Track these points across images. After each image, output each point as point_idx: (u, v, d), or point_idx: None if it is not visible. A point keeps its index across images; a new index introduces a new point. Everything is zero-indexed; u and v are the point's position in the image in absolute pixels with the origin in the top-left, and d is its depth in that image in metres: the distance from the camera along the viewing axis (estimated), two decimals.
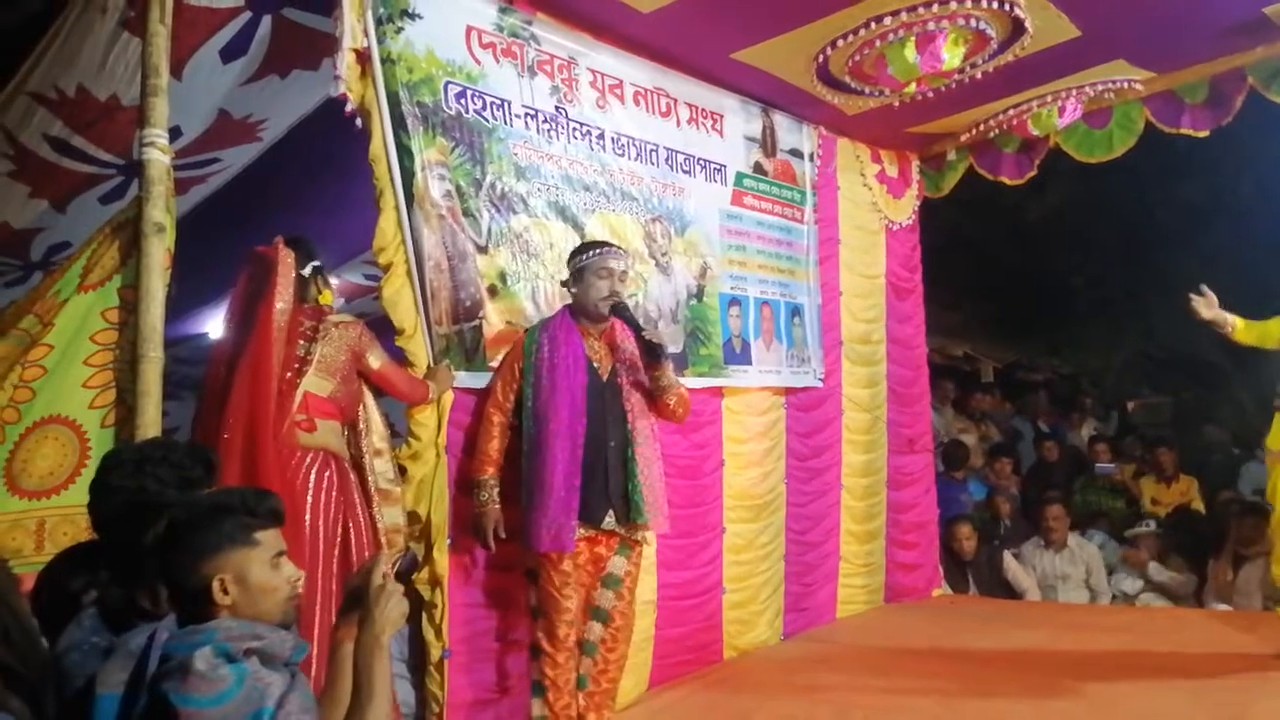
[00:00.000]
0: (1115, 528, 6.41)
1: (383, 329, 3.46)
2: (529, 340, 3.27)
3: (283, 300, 2.92)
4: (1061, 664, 4.23)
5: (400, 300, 3.31)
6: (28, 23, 2.96)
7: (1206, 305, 3.92)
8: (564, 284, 3.35)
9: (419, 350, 3.33)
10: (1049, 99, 5.12)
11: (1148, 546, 5.94)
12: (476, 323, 3.47)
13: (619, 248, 3.39)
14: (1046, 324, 10.16)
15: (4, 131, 3.27)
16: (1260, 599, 5.24)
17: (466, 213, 3.49)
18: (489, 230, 3.57)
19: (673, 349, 4.24)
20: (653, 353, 3.21)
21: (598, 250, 3.28)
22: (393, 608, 1.83)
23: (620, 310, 3.25)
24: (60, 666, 1.81)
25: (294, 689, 1.62)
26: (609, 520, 3.18)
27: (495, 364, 3.44)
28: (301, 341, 3.01)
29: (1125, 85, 5.02)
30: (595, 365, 3.24)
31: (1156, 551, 5.92)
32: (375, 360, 3.19)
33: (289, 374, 2.95)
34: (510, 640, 3.49)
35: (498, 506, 3.20)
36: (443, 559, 3.31)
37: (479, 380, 3.44)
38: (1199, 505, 6.73)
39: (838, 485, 5.34)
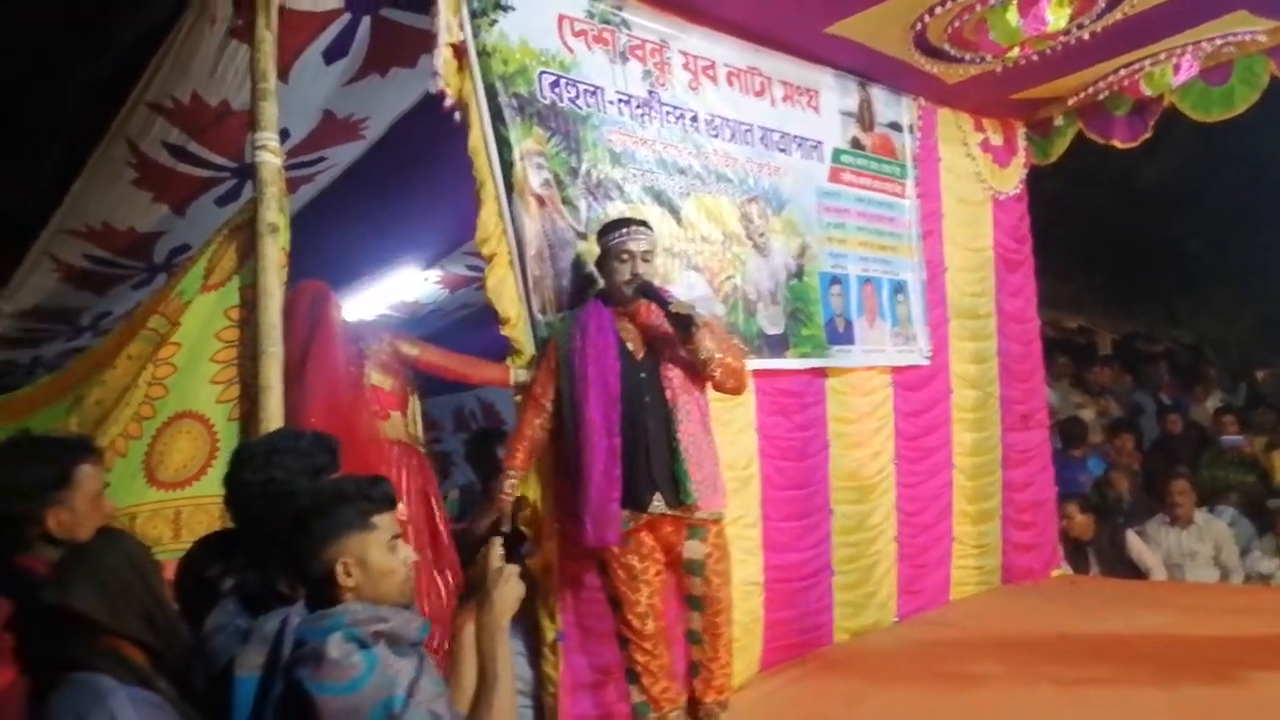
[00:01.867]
0: (1246, 503, 6.10)
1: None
2: (560, 329, 3.21)
3: (338, 308, 3.17)
4: (1193, 648, 4.04)
5: (504, 290, 3.35)
6: (144, 36, 3.09)
7: None
8: (595, 266, 3.28)
9: (523, 338, 3.37)
10: (1162, 57, 4.88)
11: None
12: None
13: (640, 224, 3.25)
14: (1165, 292, 9.70)
15: (127, 142, 3.43)
16: None
17: (566, 200, 3.52)
18: (587, 218, 3.59)
19: (774, 330, 4.21)
20: (682, 326, 3.05)
21: (617, 234, 3.19)
22: (510, 590, 1.88)
23: (646, 291, 3.14)
24: (207, 648, 1.91)
25: (423, 674, 1.66)
26: (657, 503, 3.08)
27: None
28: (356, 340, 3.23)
29: (1247, 38, 4.74)
30: (629, 348, 3.14)
31: None
32: (411, 347, 3.33)
33: (353, 369, 3.10)
34: None
35: (510, 499, 3.17)
36: (552, 543, 3.35)
37: None
38: None
39: (949, 465, 5.21)
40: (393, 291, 5.88)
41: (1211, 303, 9.86)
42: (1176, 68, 4.94)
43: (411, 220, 4.69)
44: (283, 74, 3.13)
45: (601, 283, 3.36)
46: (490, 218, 3.35)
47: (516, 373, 3.35)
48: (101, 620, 1.74)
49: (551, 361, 3.19)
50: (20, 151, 3.70)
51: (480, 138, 3.33)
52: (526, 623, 3.43)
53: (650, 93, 3.91)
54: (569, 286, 3.48)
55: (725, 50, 4.22)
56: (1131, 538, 5.71)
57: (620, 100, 3.79)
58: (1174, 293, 9.74)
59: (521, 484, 3.34)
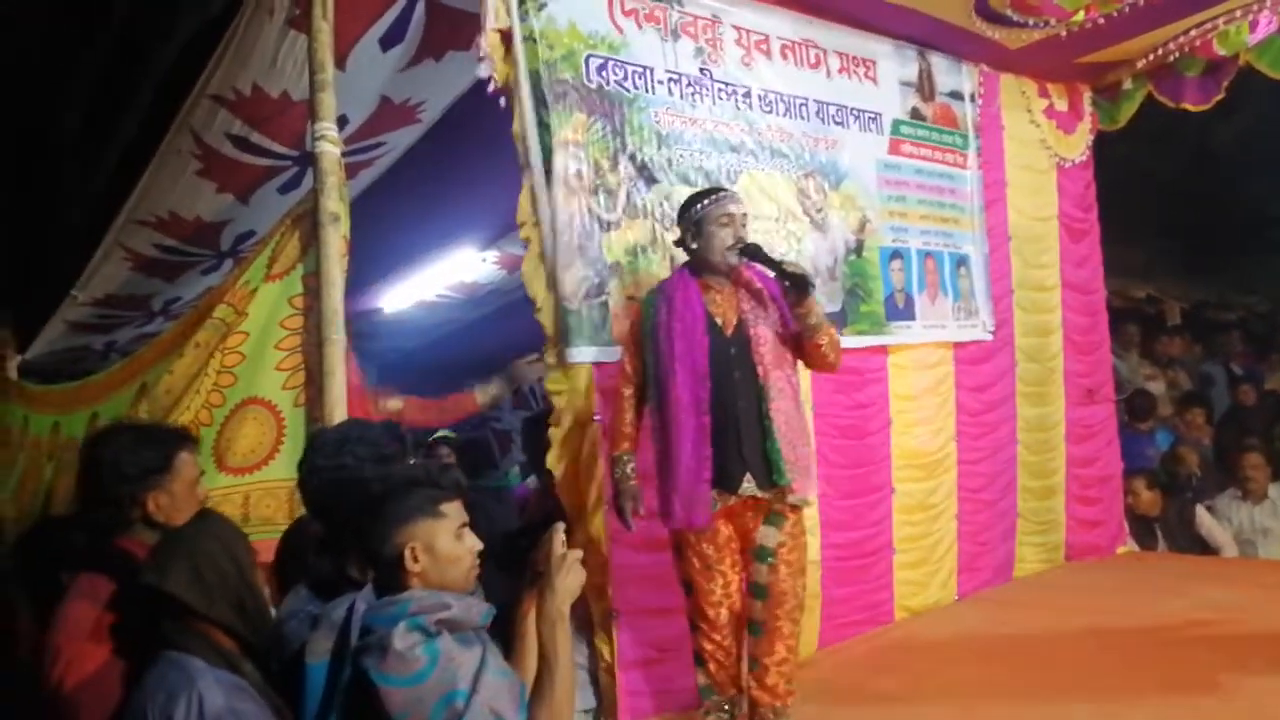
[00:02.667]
0: None
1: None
2: (646, 305, 3.08)
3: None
4: (1267, 629, 3.94)
5: (536, 275, 3.38)
6: (204, 30, 3.15)
7: None
8: (677, 243, 3.12)
9: (548, 324, 3.39)
10: (1238, 14, 4.71)
11: None
12: (603, 298, 3.49)
13: (731, 191, 3.12)
14: (1240, 258, 9.36)
15: (192, 133, 3.51)
16: None
17: (597, 190, 3.51)
18: (628, 202, 3.57)
19: (831, 308, 4.17)
20: (799, 286, 2.90)
21: (712, 198, 3.02)
22: (573, 578, 1.90)
23: (752, 253, 2.98)
24: (280, 632, 1.97)
25: (486, 665, 1.70)
26: (747, 485, 2.93)
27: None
28: None
29: None
30: (718, 322, 2.98)
31: None
32: (396, 402, 3.48)
33: None
34: (675, 604, 3.47)
35: (635, 483, 3.02)
36: (597, 521, 3.37)
37: (609, 354, 3.41)
38: None
39: (1013, 440, 5.14)
40: (451, 272, 5.95)
41: None
42: (1253, 24, 4.76)
43: (469, 201, 4.73)
44: (340, 62, 3.18)
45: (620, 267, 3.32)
46: (527, 203, 3.38)
47: (484, 391, 3.39)
48: (195, 606, 1.81)
49: (637, 336, 3.08)
50: (90, 143, 3.81)
51: (522, 124, 3.36)
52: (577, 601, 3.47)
53: (702, 70, 3.88)
54: (595, 276, 3.47)
55: (779, 23, 4.17)
56: (1201, 513, 5.57)
57: (670, 79, 3.77)
58: (1250, 259, 9.40)
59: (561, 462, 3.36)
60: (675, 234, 3.17)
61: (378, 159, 4.19)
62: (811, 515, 4.07)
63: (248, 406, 2.84)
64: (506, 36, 3.31)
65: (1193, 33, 4.86)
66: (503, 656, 1.90)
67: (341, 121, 3.27)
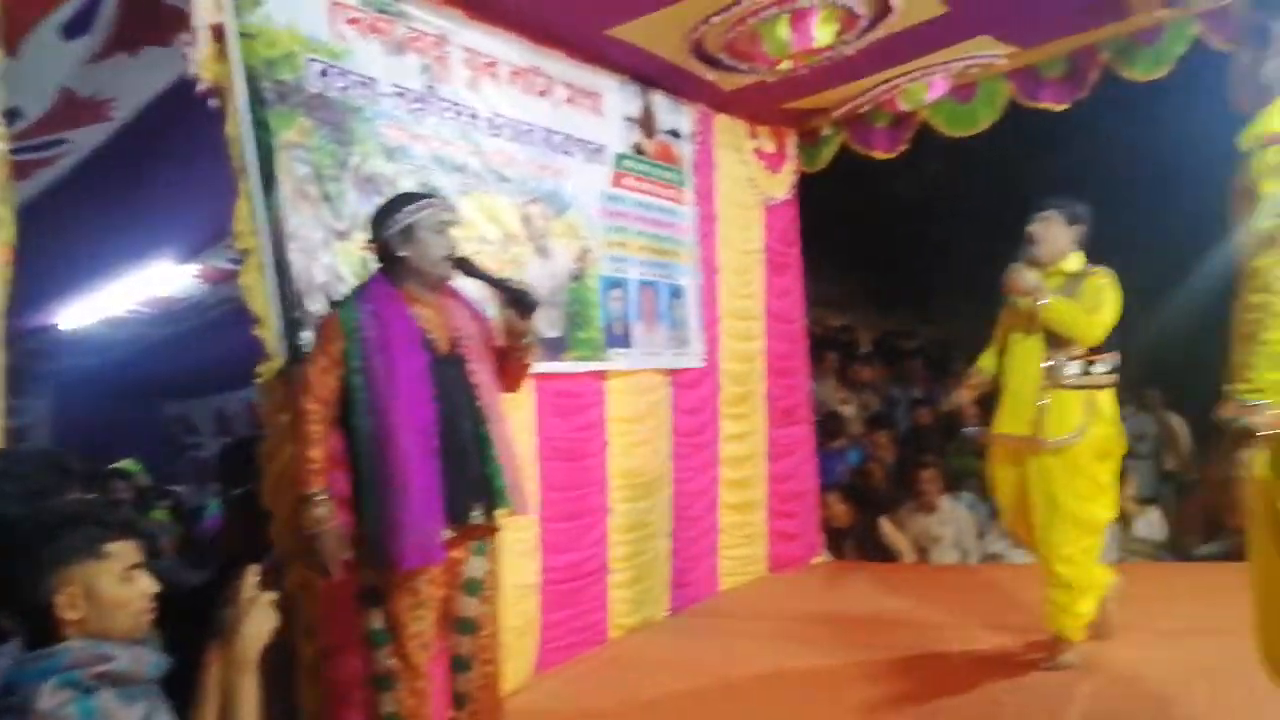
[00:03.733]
0: (983, 489, 6.64)
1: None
2: (346, 317, 2.70)
3: None
4: (932, 622, 4.45)
5: (258, 288, 3.17)
6: None
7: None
8: (376, 247, 2.84)
9: (274, 339, 3.17)
10: (918, 74, 5.22)
11: None
12: None
13: (444, 198, 3.01)
14: (923, 292, 10.46)
15: None
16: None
17: (328, 197, 3.37)
18: (355, 214, 3.45)
19: (552, 333, 4.22)
20: (524, 303, 2.81)
21: (425, 202, 2.82)
22: (258, 623, 1.77)
23: (466, 266, 2.83)
24: None
25: None
26: (475, 513, 2.75)
27: None
28: None
29: (990, 60, 5.16)
30: (432, 338, 2.73)
31: None
32: None
33: None
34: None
35: (338, 523, 2.63)
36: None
37: None
38: None
39: (716, 460, 5.43)
40: (146, 287, 5.50)
41: (965, 304, 10.64)
42: (930, 85, 5.31)
43: (168, 210, 4.38)
44: (12, 48, 2.84)
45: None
46: (246, 210, 3.17)
47: None
48: None
49: (335, 353, 2.67)
50: None
51: (238, 125, 3.15)
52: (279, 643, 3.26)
53: (429, 87, 3.81)
54: (329, 285, 3.32)
55: (507, 48, 4.18)
56: (884, 524, 6.12)
57: (396, 93, 3.68)
58: (930, 292, 10.51)
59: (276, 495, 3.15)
60: (369, 235, 2.89)
61: (59, 158, 3.79)
62: (530, 538, 4.09)
63: None
64: (219, 32, 3.08)
65: (881, 88, 5.35)
66: (183, 712, 1.75)
67: (13, 115, 2.93)
